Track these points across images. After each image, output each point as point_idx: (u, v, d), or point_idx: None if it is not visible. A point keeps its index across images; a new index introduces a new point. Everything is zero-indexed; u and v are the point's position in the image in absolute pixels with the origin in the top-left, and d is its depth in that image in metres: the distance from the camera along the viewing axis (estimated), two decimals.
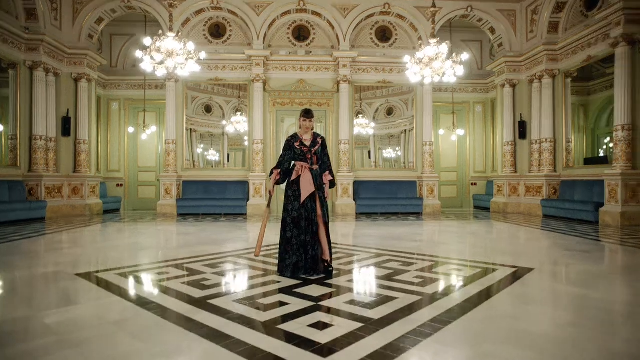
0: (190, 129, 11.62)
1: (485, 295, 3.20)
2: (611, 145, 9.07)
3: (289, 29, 11.58)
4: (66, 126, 10.36)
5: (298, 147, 3.95)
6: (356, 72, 11.48)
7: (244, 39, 11.39)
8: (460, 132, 13.13)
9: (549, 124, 10.34)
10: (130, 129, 12.88)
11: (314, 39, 11.66)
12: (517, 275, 3.84)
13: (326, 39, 11.64)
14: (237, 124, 11.70)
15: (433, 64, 7.51)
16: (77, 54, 10.46)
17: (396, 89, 11.92)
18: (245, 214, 10.75)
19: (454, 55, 7.77)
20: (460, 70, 7.73)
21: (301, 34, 11.64)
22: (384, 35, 11.77)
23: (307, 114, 3.97)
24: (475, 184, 13.72)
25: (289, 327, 2.47)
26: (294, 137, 4.02)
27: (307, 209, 3.84)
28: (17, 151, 9.36)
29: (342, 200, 11.07)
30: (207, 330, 2.39)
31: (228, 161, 12.03)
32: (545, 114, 10.38)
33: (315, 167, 3.97)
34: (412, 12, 11.18)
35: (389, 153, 12.54)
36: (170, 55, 6.81)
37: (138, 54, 7.11)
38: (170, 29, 7.26)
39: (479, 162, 13.77)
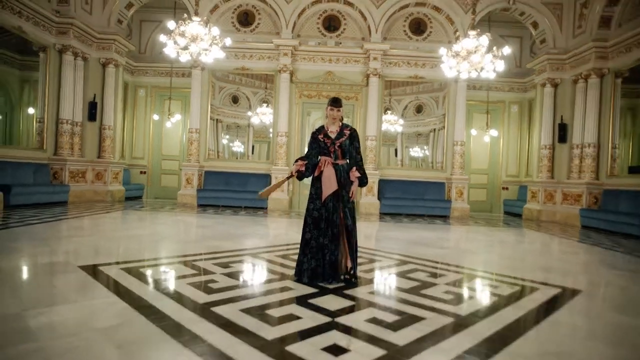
0: (217, 119, 11.44)
1: (528, 321, 2.77)
2: None
3: (319, 18, 11.18)
4: (92, 111, 10.33)
5: (322, 139, 3.59)
6: (387, 65, 10.98)
7: (273, 28, 11.07)
8: (494, 132, 12.44)
9: (593, 128, 9.56)
10: (156, 117, 12.82)
11: (344, 29, 11.22)
12: (563, 297, 3.37)
13: (357, 30, 11.18)
14: (262, 115, 11.44)
15: (471, 58, 6.98)
16: (105, 39, 10.39)
17: (427, 85, 11.38)
18: (266, 208, 10.49)
19: (494, 49, 7.21)
20: (501, 66, 7.17)
21: (331, 24, 11.22)
22: (418, 27, 11.20)
23: (335, 102, 3.59)
24: (507, 188, 13.00)
25: (300, 349, 2.12)
26: (319, 130, 3.67)
27: (328, 209, 3.49)
28: (43, 134, 9.41)
29: (366, 199, 10.66)
30: (205, 348, 2.08)
31: (252, 153, 11.80)
32: (590, 116, 9.60)
33: (342, 161, 3.60)
34: (449, 4, 10.56)
35: (416, 152, 12.03)
36: (194, 40, 6.55)
37: (162, 38, 6.89)
38: (196, 13, 7.01)
39: (512, 166, 13.04)
